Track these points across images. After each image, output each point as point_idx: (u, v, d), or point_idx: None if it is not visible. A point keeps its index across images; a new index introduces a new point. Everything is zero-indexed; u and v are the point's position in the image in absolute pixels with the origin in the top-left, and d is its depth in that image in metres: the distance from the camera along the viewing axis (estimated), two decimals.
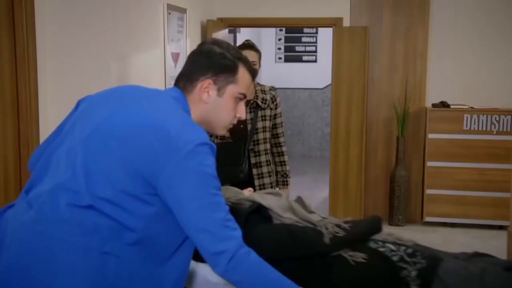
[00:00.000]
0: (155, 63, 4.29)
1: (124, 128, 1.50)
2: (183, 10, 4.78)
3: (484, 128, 5.46)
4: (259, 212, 1.93)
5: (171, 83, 4.07)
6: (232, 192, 2.11)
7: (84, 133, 1.55)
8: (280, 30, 9.61)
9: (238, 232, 1.50)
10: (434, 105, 5.62)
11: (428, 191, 5.65)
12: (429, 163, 5.61)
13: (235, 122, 1.74)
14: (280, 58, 9.82)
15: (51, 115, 3.13)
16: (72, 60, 3.29)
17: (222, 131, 1.75)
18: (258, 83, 3.33)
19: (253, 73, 1.74)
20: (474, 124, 5.47)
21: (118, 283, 1.47)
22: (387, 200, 5.85)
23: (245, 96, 1.71)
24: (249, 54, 3.07)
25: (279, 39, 9.77)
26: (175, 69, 4.57)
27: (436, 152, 5.57)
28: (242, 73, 1.69)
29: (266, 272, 1.53)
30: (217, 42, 1.71)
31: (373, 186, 5.94)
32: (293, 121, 9.74)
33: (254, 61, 3.11)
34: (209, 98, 1.65)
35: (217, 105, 1.66)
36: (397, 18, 5.74)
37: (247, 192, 2.17)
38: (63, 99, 3.22)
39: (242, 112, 1.72)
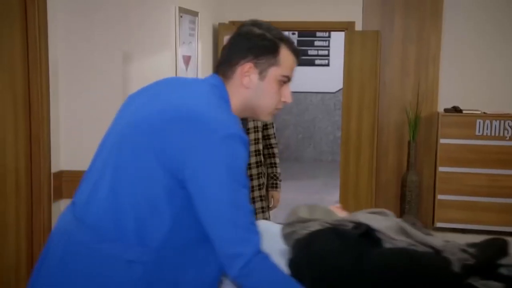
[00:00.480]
0: (166, 65, 4.31)
1: (151, 120, 1.44)
2: (195, 13, 4.80)
3: (496, 134, 5.40)
4: (367, 234, 1.71)
5: None
6: (323, 212, 1.88)
7: (116, 131, 1.52)
8: (293, 33, 9.61)
9: (258, 237, 1.40)
10: (446, 110, 5.59)
11: (439, 197, 5.60)
12: (440, 168, 5.57)
13: (280, 106, 1.63)
14: None
15: (61, 115, 3.16)
16: (82, 62, 3.32)
17: (267, 117, 1.64)
18: None
19: (297, 54, 1.62)
20: (487, 129, 5.42)
21: None
22: (398, 205, 5.81)
23: (289, 79, 1.60)
24: None
25: None
26: (186, 72, 4.59)
27: (448, 157, 5.53)
28: (285, 54, 1.57)
29: (280, 280, 1.44)
30: (257, 23, 1.61)
31: (384, 191, 5.91)
32: (305, 125, 9.72)
33: None
34: (251, 83, 1.55)
35: (260, 90, 1.56)
36: (409, 22, 5.72)
37: (336, 209, 1.97)
38: (74, 100, 3.25)
39: (288, 96, 1.60)
